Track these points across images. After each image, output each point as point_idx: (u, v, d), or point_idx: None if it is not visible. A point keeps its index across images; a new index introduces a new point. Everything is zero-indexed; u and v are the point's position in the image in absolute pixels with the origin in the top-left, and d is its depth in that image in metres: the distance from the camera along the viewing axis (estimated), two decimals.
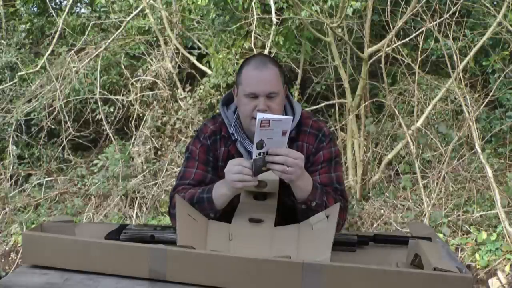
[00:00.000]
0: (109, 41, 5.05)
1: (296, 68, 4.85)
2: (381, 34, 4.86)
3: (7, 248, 4.43)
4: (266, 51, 4.25)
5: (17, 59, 5.53)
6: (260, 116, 1.40)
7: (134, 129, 5.02)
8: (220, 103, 1.77)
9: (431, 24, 3.94)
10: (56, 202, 4.81)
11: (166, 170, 4.78)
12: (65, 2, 6.32)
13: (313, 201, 1.56)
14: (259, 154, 1.46)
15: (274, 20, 4.27)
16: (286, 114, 1.72)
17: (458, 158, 4.23)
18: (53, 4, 6.26)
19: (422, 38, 4.00)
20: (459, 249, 3.67)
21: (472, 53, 4.02)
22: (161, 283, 1.30)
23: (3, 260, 4.39)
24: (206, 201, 1.57)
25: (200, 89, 4.96)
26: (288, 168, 1.47)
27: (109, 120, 5.09)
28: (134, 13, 5.10)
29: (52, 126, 5.12)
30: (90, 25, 5.31)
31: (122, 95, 5.20)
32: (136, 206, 4.56)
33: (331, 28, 4.18)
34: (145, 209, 4.55)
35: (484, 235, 3.64)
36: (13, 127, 5.10)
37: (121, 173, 4.64)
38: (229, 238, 1.51)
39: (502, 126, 4.41)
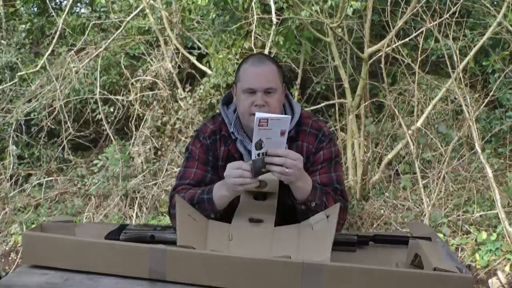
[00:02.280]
0: (109, 41, 5.05)
1: (296, 68, 4.84)
2: (381, 34, 4.86)
3: (7, 248, 4.43)
4: (266, 51, 4.25)
5: (17, 59, 5.53)
6: (258, 115, 1.40)
7: (134, 129, 5.01)
8: (220, 102, 1.77)
9: (431, 24, 3.93)
10: (56, 202, 4.80)
11: (166, 170, 4.78)
12: (65, 2, 6.32)
13: (313, 202, 1.56)
14: (258, 155, 1.46)
15: (274, 20, 4.27)
16: (285, 114, 1.72)
17: (458, 158, 4.23)
18: (53, 4, 6.26)
19: (422, 38, 4.00)
20: (459, 249, 3.67)
21: (472, 53, 4.01)
22: (161, 283, 1.30)
23: (3, 260, 4.39)
24: (206, 202, 1.57)
25: (200, 89, 4.96)
26: (287, 170, 1.47)
27: (109, 120, 5.09)
28: (134, 13, 5.10)
29: (52, 126, 5.12)
30: (90, 25, 5.31)
31: (122, 95, 5.20)
32: (136, 206, 4.56)
33: (331, 28, 4.18)
34: (145, 209, 4.55)
35: (484, 235, 3.64)
36: (13, 127, 5.09)
37: (121, 173, 4.64)
38: (229, 238, 1.51)
39: (502, 126, 4.40)
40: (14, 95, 5.40)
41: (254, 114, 1.58)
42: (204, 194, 1.58)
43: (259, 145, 1.44)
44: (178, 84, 5.16)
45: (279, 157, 1.46)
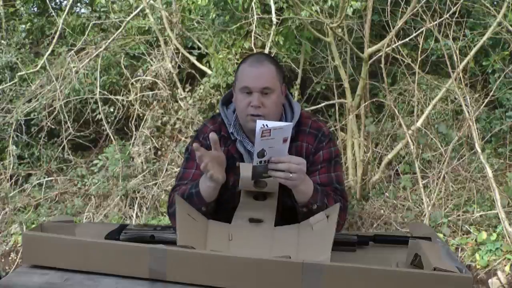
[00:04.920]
0: (109, 41, 5.05)
1: (296, 68, 4.84)
2: (381, 34, 4.86)
3: (7, 248, 4.43)
4: (266, 51, 4.25)
5: (17, 59, 5.53)
6: (260, 124, 1.39)
7: (134, 129, 5.02)
8: (220, 102, 1.77)
9: (431, 24, 3.93)
10: (56, 202, 4.80)
11: (166, 170, 4.78)
12: (65, 2, 6.32)
13: (314, 204, 1.55)
14: (260, 162, 1.46)
15: (274, 20, 4.27)
16: (285, 114, 1.72)
17: (458, 158, 4.23)
18: (53, 4, 6.26)
19: (422, 38, 4.00)
20: (459, 249, 3.67)
21: (472, 53, 4.01)
22: (161, 283, 1.30)
23: (3, 260, 4.39)
24: (195, 195, 1.57)
25: (200, 89, 4.96)
26: (291, 175, 1.46)
27: (109, 120, 5.09)
28: (134, 13, 5.10)
29: (52, 126, 5.11)
30: (90, 25, 5.31)
31: (122, 95, 5.20)
32: (136, 206, 4.56)
33: (331, 28, 4.18)
34: (145, 209, 4.55)
35: (484, 235, 3.64)
36: (13, 127, 5.09)
37: (121, 173, 4.64)
38: (229, 238, 1.51)
39: (502, 126, 4.40)
40: (14, 95, 5.40)
41: (251, 115, 1.59)
42: (192, 188, 1.59)
43: (261, 154, 1.44)
44: (178, 84, 5.16)
45: (282, 163, 1.46)
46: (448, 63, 3.88)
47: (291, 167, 1.46)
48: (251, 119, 1.59)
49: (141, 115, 5.08)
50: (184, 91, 5.10)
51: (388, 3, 3.98)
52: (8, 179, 4.93)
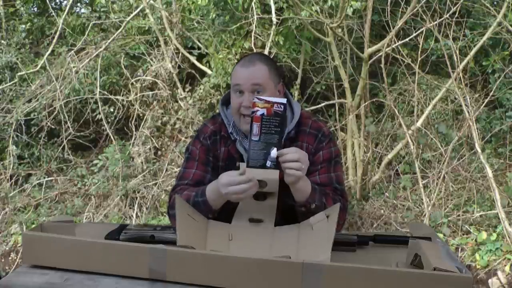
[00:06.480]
0: (109, 41, 5.05)
1: (296, 68, 4.84)
2: (381, 34, 4.86)
3: (7, 248, 4.43)
4: (266, 51, 4.26)
5: (17, 59, 5.53)
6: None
7: (134, 129, 5.02)
8: (220, 102, 1.77)
9: (431, 24, 3.94)
10: (56, 202, 4.81)
11: (166, 170, 4.78)
12: (65, 2, 6.32)
13: (313, 203, 1.55)
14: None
15: (274, 20, 4.28)
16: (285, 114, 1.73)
17: (458, 158, 4.23)
18: (53, 4, 6.26)
19: (422, 38, 4.00)
20: (459, 249, 3.67)
21: (472, 53, 4.02)
22: (161, 283, 1.30)
23: (3, 260, 4.39)
24: (202, 204, 1.56)
25: (200, 89, 4.96)
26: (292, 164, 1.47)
27: (109, 120, 5.09)
28: (134, 13, 5.10)
29: (52, 126, 5.12)
30: (90, 25, 5.32)
31: (122, 95, 5.21)
32: (136, 206, 4.56)
33: (331, 28, 4.18)
34: (145, 209, 4.55)
35: (484, 235, 3.64)
36: (13, 127, 5.10)
37: (121, 173, 4.65)
38: (229, 238, 1.51)
39: (502, 126, 4.41)
40: (14, 95, 5.40)
41: (243, 116, 1.59)
42: (198, 197, 1.58)
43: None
44: (178, 84, 5.16)
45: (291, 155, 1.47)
46: (448, 63, 3.88)
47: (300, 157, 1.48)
48: (244, 121, 1.60)
49: (141, 115, 5.08)
50: (184, 91, 5.10)
51: (388, 3, 3.98)
52: (8, 179, 4.94)
